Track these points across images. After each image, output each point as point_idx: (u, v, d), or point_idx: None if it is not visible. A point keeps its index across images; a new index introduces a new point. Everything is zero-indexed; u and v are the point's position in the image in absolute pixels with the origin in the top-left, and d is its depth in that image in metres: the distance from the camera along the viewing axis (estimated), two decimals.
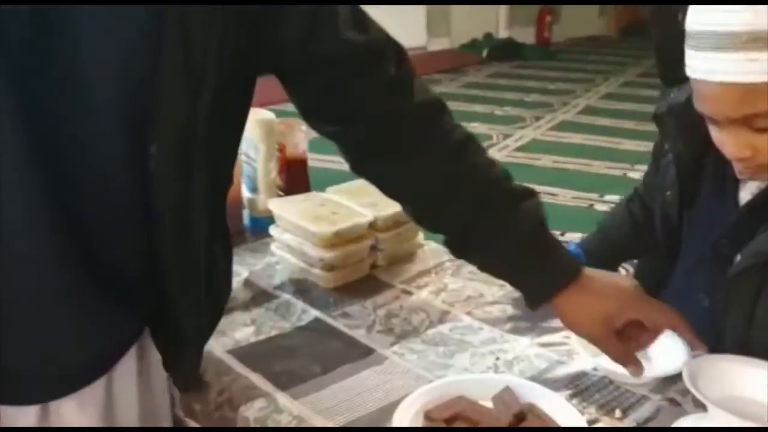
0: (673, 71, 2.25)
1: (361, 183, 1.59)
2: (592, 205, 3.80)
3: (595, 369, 1.11)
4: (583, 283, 1.01)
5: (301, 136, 1.60)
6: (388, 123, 1.01)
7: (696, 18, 1.01)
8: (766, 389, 0.94)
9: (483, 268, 1.11)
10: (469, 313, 1.29)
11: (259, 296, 1.36)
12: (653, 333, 1.05)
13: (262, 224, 1.60)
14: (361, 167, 1.09)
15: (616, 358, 1.03)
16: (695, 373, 0.95)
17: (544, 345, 1.19)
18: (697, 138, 1.13)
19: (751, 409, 0.92)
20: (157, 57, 0.76)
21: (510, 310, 1.30)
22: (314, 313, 1.30)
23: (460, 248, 1.07)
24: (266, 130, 1.56)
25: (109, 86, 0.77)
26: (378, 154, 1.04)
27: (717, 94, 1.00)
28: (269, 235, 1.52)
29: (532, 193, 1.05)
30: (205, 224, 0.89)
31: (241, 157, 1.61)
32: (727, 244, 1.12)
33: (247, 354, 1.17)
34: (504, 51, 8.10)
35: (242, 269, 1.44)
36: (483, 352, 1.17)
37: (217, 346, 1.18)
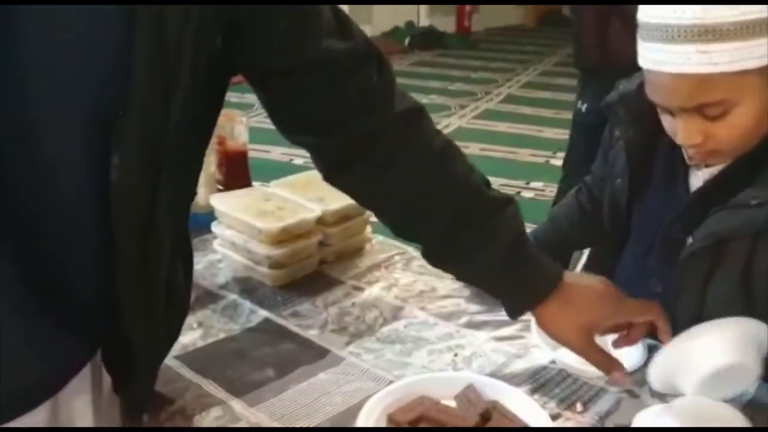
0: (588, 59, 2.30)
1: (306, 176, 1.55)
2: (519, 192, 3.86)
3: (552, 362, 1.10)
4: (564, 292, 1.00)
5: (241, 128, 1.54)
6: (367, 135, 0.95)
7: (647, 11, 1.02)
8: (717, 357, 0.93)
9: (461, 277, 1.08)
10: (423, 309, 1.27)
11: (204, 297, 1.30)
12: (642, 326, 1.04)
13: (201, 220, 1.53)
14: (337, 179, 1.03)
15: (599, 365, 1.02)
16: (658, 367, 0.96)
17: (500, 339, 1.18)
18: (648, 125, 1.14)
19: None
20: (126, 56, 0.70)
21: (463, 303, 1.29)
22: (263, 313, 1.25)
23: (438, 259, 1.04)
24: None
25: (64, 87, 0.69)
26: (356, 167, 0.98)
27: (669, 85, 1.01)
28: (210, 232, 1.46)
29: (511, 200, 1.03)
30: (168, 243, 0.82)
31: None
32: (679, 228, 1.13)
33: (196, 359, 1.12)
34: (426, 39, 8.12)
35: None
36: (440, 348, 1.15)
37: None
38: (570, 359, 1.07)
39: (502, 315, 1.21)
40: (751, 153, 1.05)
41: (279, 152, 4.24)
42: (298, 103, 0.93)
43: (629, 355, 1.07)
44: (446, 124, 5.10)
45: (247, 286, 1.34)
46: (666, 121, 1.07)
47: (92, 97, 0.71)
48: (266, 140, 4.78)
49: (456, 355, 1.13)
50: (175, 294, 0.91)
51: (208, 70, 0.77)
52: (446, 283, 1.35)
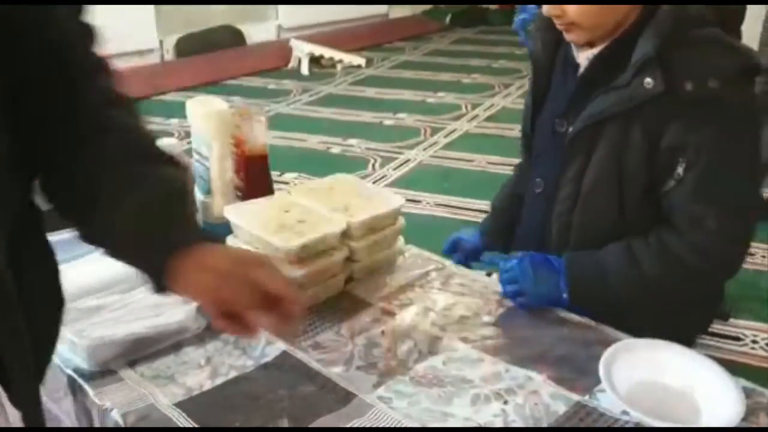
0: None
1: (329, 181, 1.38)
2: None
3: (625, 413, 0.92)
4: (195, 254, 0.84)
5: (261, 128, 1.37)
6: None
7: None
8: (679, 374, 0.98)
9: (102, 239, 0.90)
10: (464, 339, 1.10)
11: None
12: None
13: (217, 232, 1.38)
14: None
15: (223, 329, 0.90)
16: (611, 361, 0.98)
17: (560, 381, 0.99)
18: (548, 37, 1.29)
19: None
20: None
21: (513, 331, 1.11)
22: (280, 345, 1.09)
23: (85, 217, 0.87)
24: (219, 124, 1.33)
25: None
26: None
27: None
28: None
29: (176, 163, 0.91)
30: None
31: (192, 156, 1.38)
32: (564, 121, 1.24)
33: (200, 406, 0.96)
34: (468, 16, 7.84)
35: None
36: (487, 393, 0.97)
37: (162, 397, 0.98)
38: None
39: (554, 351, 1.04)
40: (626, 36, 1.16)
41: (316, 141, 4.09)
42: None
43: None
44: (489, 104, 4.87)
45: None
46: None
47: None
48: (304, 128, 4.68)
49: (506, 402, 0.96)
50: (32, 295, 0.82)
51: None
52: (491, 305, 1.17)
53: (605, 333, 1.11)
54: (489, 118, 4.61)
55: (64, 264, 1.20)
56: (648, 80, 1.10)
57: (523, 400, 0.96)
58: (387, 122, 4.51)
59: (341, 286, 1.24)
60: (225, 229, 1.37)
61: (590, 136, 1.17)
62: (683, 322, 1.25)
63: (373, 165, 3.81)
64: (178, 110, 4.70)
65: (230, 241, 1.25)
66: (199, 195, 1.39)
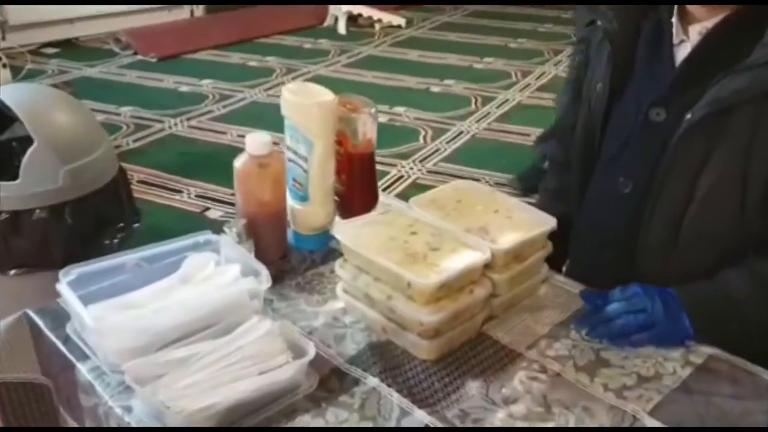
0: None
1: (454, 191, 1.13)
2: None
3: None
4: None
5: (368, 121, 1.12)
6: None
7: None
8: None
9: None
10: (653, 413, 0.86)
11: (330, 379, 0.91)
12: None
13: (312, 243, 1.15)
14: None
15: None
16: None
17: None
18: (630, 13, 1.12)
19: None
20: None
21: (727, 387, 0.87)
22: (420, 415, 0.85)
23: None
24: (325, 117, 1.08)
25: None
26: None
27: None
28: (323, 262, 1.08)
29: None
30: None
31: (286, 154, 1.13)
32: (662, 110, 1.06)
33: None
34: None
35: (290, 324, 1.00)
36: None
37: None
38: None
39: None
40: (741, 13, 1.00)
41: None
42: None
43: None
44: (540, 72, 4.56)
45: (389, 362, 0.94)
46: None
47: None
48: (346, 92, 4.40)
49: None
50: None
51: None
52: (674, 360, 0.93)
53: None
54: (542, 88, 4.33)
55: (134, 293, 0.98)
56: None
57: None
58: (434, 89, 4.23)
59: (477, 328, 1.00)
60: (316, 241, 1.14)
61: (714, 127, 0.98)
62: None
63: (424, 137, 3.55)
64: (211, 70, 4.50)
65: (340, 269, 1.01)
66: (291, 201, 1.15)
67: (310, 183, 1.11)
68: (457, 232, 1.00)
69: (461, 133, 3.62)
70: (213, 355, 0.88)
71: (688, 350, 0.96)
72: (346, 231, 1.01)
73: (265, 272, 0.97)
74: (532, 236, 1.01)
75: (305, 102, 1.07)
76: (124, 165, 2.21)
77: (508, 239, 1.00)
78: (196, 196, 2.95)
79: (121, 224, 2.01)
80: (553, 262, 1.11)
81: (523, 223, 1.04)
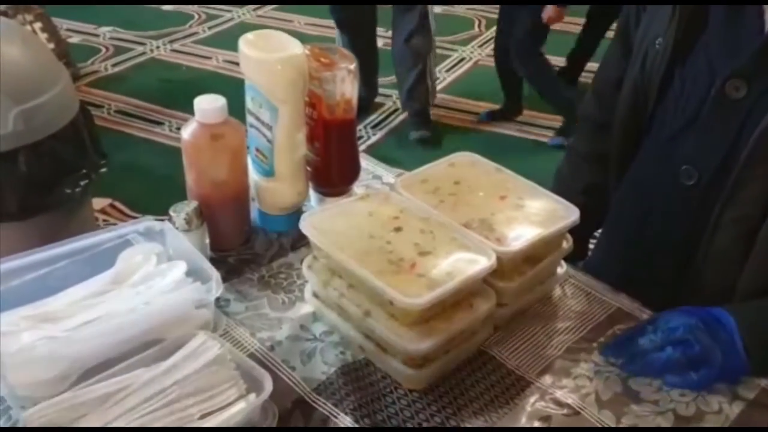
0: None
1: (450, 167, 0.93)
2: None
3: None
4: None
5: (347, 80, 0.91)
6: None
7: None
8: None
9: None
10: None
11: (293, 414, 0.73)
12: None
13: (281, 224, 0.96)
14: None
15: None
16: None
17: None
18: None
19: None
20: None
21: None
22: None
23: None
24: (294, 76, 0.86)
25: None
26: None
27: None
28: (293, 248, 0.90)
29: None
30: None
31: (247, 118, 0.92)
32: (742, 83, 0.84)
33: None
34: None
35: (248, 335, 0.82)
36: None
37: None
38: None
39: None
40: None
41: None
42: None
43: None
44: None
45: (368, 392, 0.76)
46: None
47: None
48: (326, 14, 4.09)
49: None
50: None
51: None
52: (720, 396, 0.76)
53: None
54: None
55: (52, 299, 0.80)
56: None
57: None
58: (434, 9, 3.94)
59: (478, 345, 0.82)
60: (285, 222, 0.95)
61: None
62: None
63: None
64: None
65: (307, 271, 0.82)
66: (254, 176, 0.95)
67: (275, 156, 0.90)
68: (453, 227, 0.80)
69: (462, 59, 3.37)
70: (143, 391, 0.70)
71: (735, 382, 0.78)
72: (315, 223, 0.81)
73: (216, 276, 0.79)
74: (548, 234, 0.81)
75: (267, 58, 0.85)
76: (102, 92, 2.00)
77: (518, 238, 0.80)
78: (177, 129, 2.73)
79: (84, 170, 1.81)
80: (571, 254, 0.92)
81: (537, 215, 0.84)
